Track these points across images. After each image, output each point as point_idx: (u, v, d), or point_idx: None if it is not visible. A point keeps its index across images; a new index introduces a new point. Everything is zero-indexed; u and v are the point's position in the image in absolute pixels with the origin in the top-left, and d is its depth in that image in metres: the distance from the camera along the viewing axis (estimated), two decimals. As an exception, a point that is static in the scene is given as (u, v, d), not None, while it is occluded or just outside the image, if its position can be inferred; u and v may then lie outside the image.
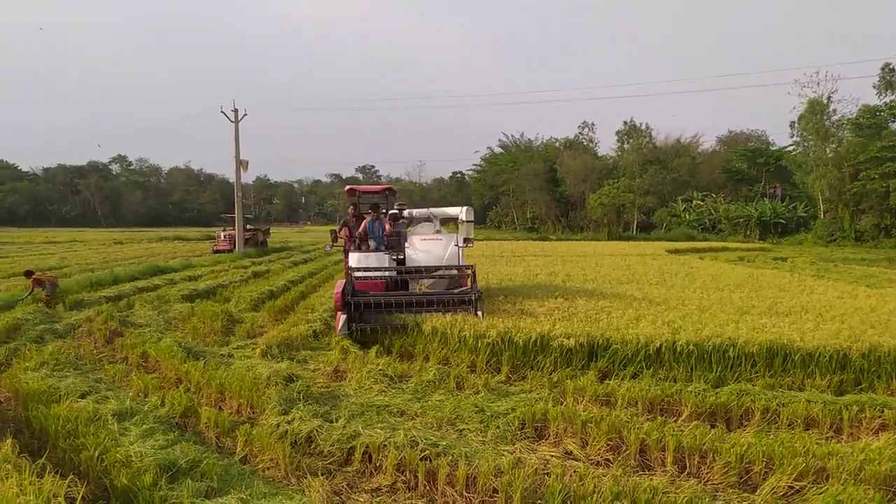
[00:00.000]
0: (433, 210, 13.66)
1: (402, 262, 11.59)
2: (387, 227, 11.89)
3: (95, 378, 7.91)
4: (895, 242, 42.66)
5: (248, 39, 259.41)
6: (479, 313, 9.73)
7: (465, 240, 11.93)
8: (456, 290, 10.56)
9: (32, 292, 13.30)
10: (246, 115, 32.90)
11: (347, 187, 13.45)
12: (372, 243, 11.77)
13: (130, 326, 11.16)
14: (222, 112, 32.50)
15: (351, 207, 13.11)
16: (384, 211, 12.75)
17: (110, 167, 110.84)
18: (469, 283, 10.37)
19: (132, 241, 45.80)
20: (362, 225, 12.03)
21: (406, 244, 11.84)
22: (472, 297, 9.94)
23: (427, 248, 11.80)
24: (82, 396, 6.79)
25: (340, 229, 12.50)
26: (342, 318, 9.63)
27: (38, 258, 27.68)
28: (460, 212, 12.68)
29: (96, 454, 5.16)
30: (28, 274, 14.06)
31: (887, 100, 45.54)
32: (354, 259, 11.11)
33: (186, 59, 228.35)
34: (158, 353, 9.02)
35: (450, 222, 14.10)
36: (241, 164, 33.15)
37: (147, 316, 12.31)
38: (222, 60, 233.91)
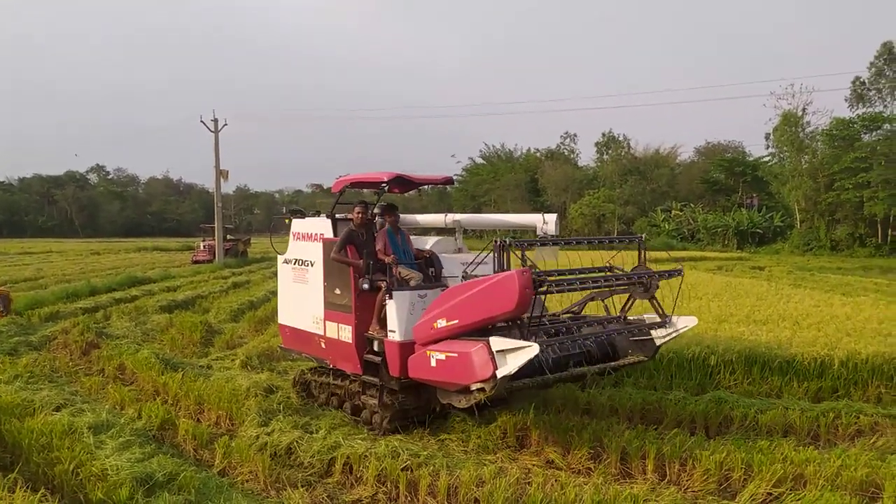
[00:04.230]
0: (461, 217, 8.03)
1: None
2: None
3: (71, 391, 7.80)
4: (869, 252, 43.38)
5: (231, 42, 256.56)
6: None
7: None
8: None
9: None
10: (226, 124, 32.71)
11: (338, 179, 7.69)
12: (408, 274, 6.57)
13: (107, 338, 10.98)
14: (202, 122, 32.30)
15: (357, 210, 6.99)
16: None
17: (87, 177, 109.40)
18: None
19: (110, 252, 45.12)
20: (380, 241, 6.81)
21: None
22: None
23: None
24: (57, 409, 6.69)
25: (341, 249, 6.66)
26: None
27: (13, 269, 27.16)
28: (541, 222, 7.31)
29: (71, 468, 5.07)
30: None
31: (859, 112, 46.57)
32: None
33: (167, 63, 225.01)
34: (135, 364, 8.90)
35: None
36: (221, 174, 32.91)
37: (124, 327, 12.15)
38: (206, 64, 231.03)
